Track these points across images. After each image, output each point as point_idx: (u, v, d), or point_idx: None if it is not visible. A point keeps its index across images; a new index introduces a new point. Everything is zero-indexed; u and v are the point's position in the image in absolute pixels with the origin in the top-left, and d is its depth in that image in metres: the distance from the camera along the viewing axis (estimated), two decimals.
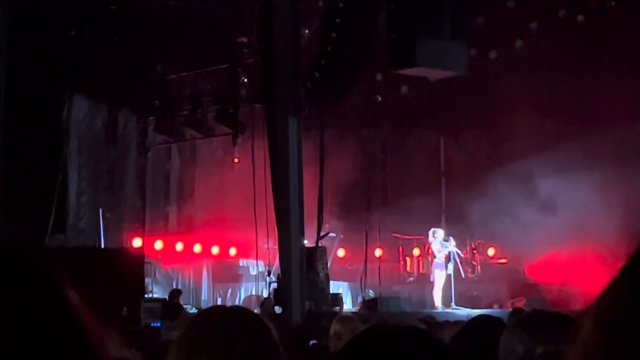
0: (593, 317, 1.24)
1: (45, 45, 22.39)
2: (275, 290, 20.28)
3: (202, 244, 26.36)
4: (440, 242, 22.38)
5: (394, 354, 2.04)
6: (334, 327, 7.88)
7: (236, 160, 26.04)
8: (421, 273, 25.40)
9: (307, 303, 18.96)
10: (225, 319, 3.04)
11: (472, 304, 22.36)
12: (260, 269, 24.06)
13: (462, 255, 23.13)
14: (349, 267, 25.56)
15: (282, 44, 19.05)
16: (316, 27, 22.39)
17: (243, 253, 25.92)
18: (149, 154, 27.46)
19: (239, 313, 3.14)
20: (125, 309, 17.60)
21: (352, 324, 7.84)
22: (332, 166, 22.81)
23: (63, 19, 23.01)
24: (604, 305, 1.24)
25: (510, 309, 14.51)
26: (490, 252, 24.91)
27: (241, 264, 26.37)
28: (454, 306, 21.87)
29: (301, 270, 18.88)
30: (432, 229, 22.81)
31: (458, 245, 22.78)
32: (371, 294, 23.10)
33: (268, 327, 3.03)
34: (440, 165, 27.38)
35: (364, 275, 22.58)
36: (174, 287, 24.52)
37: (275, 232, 19.74)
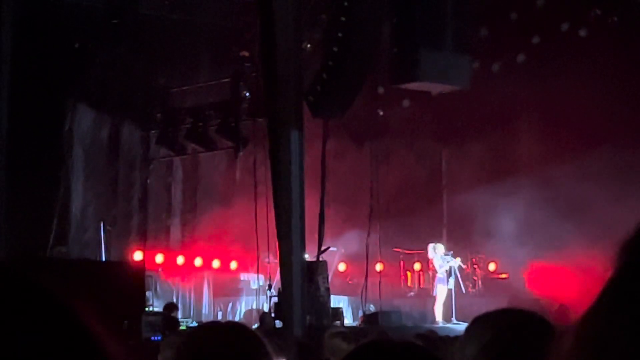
0: (574, 339, 1.23)
1: (49, 57, 22.42)
2: (276, 304, 20.25)
3: (203, 257, 26.32)
4: (441, 257, 22.38)
5: None
6: (327, 342, 7.88)
7: (237, 168, 26.08)
8: (422, 288, 25.36)
9: (307, 317, 18.92)
10: (220, 336, 3.01)
11: (472, 319, 22.29)
12: (261, 283, 24.03)
13: (464, 267, 23.13)
14: (350, 282, 25.52)
15: (284, 57, 19.05)
16: (318, 40, 22.41)
17: (244, 267, 25.89)
18: (151, 166, 27.45)
19: (233, 329, 3.12)
20: (126, 322, 17.55)
21: (346, 338, 7.83)
22: (333, 180, 22.79)
23: (66, 31, 23.04)
24: (585, 328, 1.23)
25: None
26: (491, 267, 24.88)
27: (242, 278, 26.32)
28: (455, 321, 21.84)
29: (302, 285, 18.83)
30: (432, 244, 22.81)
31: (459, 260, 22.76)
32: (372, 308, 23.07)
33: (262, 343, 3.00)
34: (442, 178, 27.37)
35: (364, 290, 22.55)
36: (175, 300, 24.46)
37: (276, 246, 19.70)
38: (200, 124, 26.42)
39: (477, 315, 3.05)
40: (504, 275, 24.63)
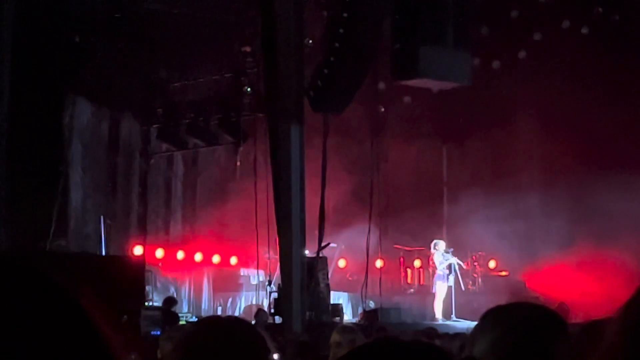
0: (619, 325, 1.23)
1: (49, 51, 22.39)
2: (275, 300, 20.25)
3: (203, 252, 26.32)
4: (441, 254, 22.37)
5: None
6: (334, 336, 7.86)
7: (238, 163, 26.05)
8: (422, 284, 25.35)
9: (307, 313, 18.92)
10: (220, 330, 3.01)
11: (472, 316, 22.28)
12: (260, 279, 24.03)
13: (464, 266, 23.11)
14: (350, 278, 25.51)
15: (285, 53, 19.03)
16: (320, 36, 22.39)
17: (244, 262, 25.90)
18: (152, 161, 27.44)
19: (234, 324, 3.11)
20: (125, 316, 17.55)
21: (352, 334, 7.81)
22: (333, 175, 22.78)
23: (67, 25, 23.02)
24: (630, 315, 1.23)
25: None
26: (492, 264, 24.86)
27: (242, 273, 26.33)
28: (454, 318, 21.84)
29: (302, 281, 18.83)
30: (434, 241, 22.80)
31: (459, 257, 22.75)
32: (372, 304, 23.07)
33: (262, 338, 3.00)
34: (443, 175, 27.35)
35: (364, 286, 22.53)
36: (174, 295, 24.46)
37: (276, 242, 19.70)
38: (201, 118, 26.40)
39: (488, 309, 3.02)
40: (504, 273, 24.61)
